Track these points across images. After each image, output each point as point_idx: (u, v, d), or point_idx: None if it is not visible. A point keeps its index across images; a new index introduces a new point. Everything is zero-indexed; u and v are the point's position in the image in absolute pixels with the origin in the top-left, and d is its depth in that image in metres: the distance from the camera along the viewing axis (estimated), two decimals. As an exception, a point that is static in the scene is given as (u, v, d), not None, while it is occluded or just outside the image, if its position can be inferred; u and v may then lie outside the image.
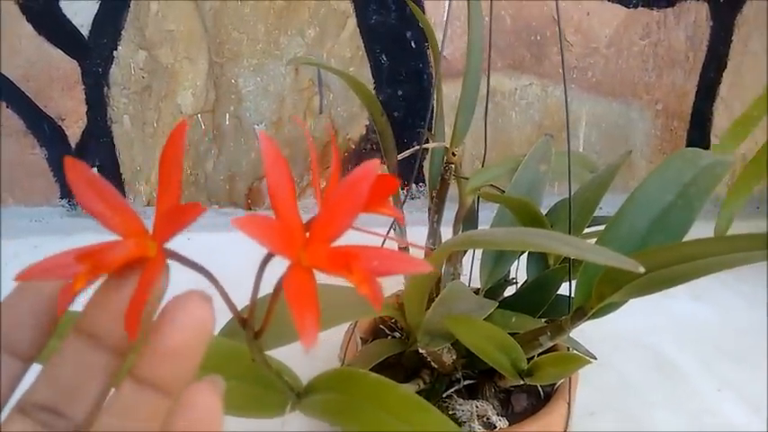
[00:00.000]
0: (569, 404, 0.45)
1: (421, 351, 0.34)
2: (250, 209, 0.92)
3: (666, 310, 0.72)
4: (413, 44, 0.84)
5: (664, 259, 0.30)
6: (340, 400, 0.28)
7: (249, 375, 0.30)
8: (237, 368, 0.30)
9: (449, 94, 0.85)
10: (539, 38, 0.84)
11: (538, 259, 0.48)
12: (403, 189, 0.97)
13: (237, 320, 0.22)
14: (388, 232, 0.44)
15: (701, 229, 0.34)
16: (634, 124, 0.90)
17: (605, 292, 0.34)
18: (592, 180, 0.50)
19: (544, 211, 0.50)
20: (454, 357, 0.40)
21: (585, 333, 0.69)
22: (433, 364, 0.40)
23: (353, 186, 0.19)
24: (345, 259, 0.18)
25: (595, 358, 0.44)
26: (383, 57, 0.85)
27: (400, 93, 0.87)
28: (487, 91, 0.48)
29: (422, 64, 0.86)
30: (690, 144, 0.92)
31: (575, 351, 0.44)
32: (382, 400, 0.26)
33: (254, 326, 0.23)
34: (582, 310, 0.36)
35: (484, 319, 0.41)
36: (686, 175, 0.36)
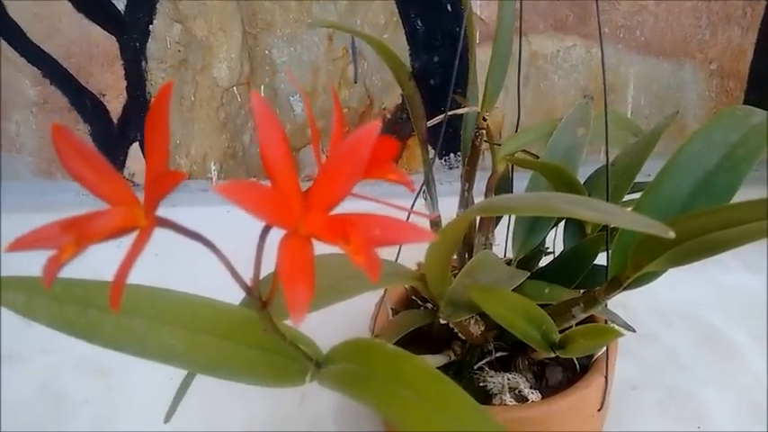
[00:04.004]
0: (606, 378, 0.44)
1: (442, 322, 0.33)
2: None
3: (718, 282, 0.68)
4: (449, 7, 0.81)
5: (703, 225, 0.28)
6: (356, 370, 0.27)
7: (269, 345, 0.30)
8: (257, 338, 0.30)
9: (486, 59, 0.82)
10: (582, -4, 0.79)
11: (574, 228, 0.46)
12: (440, 158, 0.95)
13: (243, 289, 0.22)
14: (416, 200, 0.42)
15: (746, 195, 0.31)
16: (686, 86, 0.85)
17: (642, 261, 0.32)
18: (635, 144, 0.47)
19: (584, 179, 0.48)
20: (482, 329, 0.39)
21: (631, 305, 0.66)
22: (460, 335, 0.39)
23: (353, 150, 0.18)
24: (343, 227, 0.17)
25: (634, 330, 0.42)
26: (418, 22, 0.82)
27: (437, 59, 0.84)
28: (519, 53, 0.45)
29: (459, 28, 0.82)
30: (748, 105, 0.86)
31: (612, 323, 0.42)
32: (398, 371, 0.26)
33: (260, 295, 0.23)
34: (617, 280, 0.34)
35: (514, 290, 0.40)
36: (734, 134, 0.34)
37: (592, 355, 0.46)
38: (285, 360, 0.30)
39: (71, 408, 0.56)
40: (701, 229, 0.28)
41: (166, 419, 0.34)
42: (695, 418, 0.52)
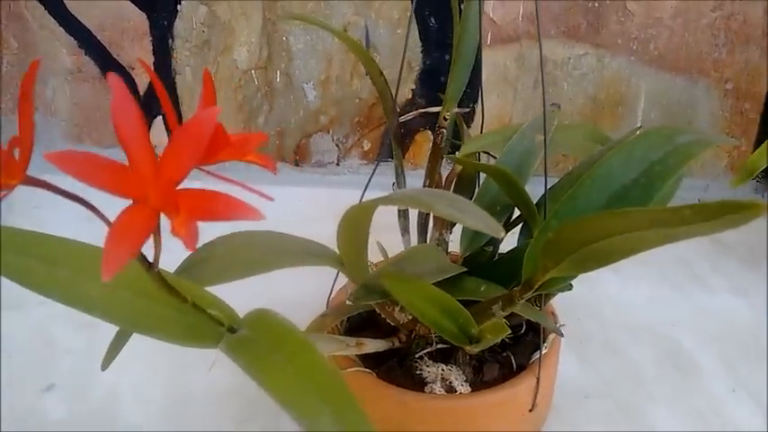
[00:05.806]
0: (538, 379, 0.45)
1: (348, 302, 0.35)
2: (297, 164, 0.96)
3: (698, 303, 0.68)
4: (462, 6, 0.82)
5: (595, 232, 0.29)
6: (247, 337, 0.30)
7: (185, 307, 0.33)
8: (174, 299, 0.33)
9: (497, 60, 0.83)
10: (596, 5, 0.79)
11: (525, 230, 0.47)
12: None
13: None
14: (367, 187, 0.44)
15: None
16: (699, 103, 0.84)
17: (548, 265, 0.33)
18: (593, 155, 0.48)
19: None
20: (409, 317, 0.41)
21: (605, 317, 0.66)
22: (388, 320, 0.41)
23: (193, 131, 0.20)
24: (176, 200, 0.20)
25: (561, 335, 0.43)
26: (432, 19, 0.84)
27: (448, 57, 0.85)
28: (480, 58, 0.47)
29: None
30: (764, 128, 0.84)
31: (550, 325, 0.44)
32: (278, 339, 0.28)
33: (146, 258, 0.25)
34: (529, 283, 0.35)
35: (450, 285, 0.41)
36: (656, 152, 0.34)
37: (531, 357, 0.47)
38: (200, 323, 0.33)
39: (57, 355, 0.60)
40: (592, 236, 0.29)
41: (103, 368, 0.37)
42: (638, 432, 0.52)
